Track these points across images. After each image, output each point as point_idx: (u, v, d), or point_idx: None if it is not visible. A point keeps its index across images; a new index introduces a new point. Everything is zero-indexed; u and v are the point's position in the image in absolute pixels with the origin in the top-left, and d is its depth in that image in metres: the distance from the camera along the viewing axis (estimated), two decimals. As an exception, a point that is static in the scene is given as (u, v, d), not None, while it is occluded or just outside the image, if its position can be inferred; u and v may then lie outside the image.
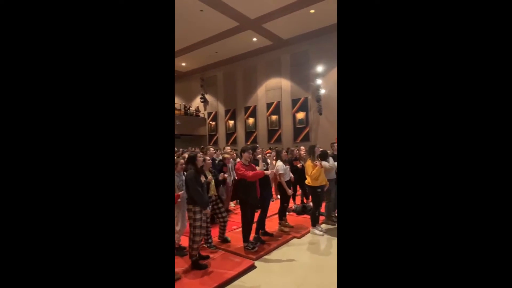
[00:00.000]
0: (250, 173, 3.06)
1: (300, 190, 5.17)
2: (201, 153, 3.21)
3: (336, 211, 4.62)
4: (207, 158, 3.30)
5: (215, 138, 13.60)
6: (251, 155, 3.26)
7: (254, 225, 3.39)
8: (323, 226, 4.04)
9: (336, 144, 4.80)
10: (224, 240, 3.45)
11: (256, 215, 3.40)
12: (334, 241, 3.55)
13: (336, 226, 4.11)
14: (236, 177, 3.30)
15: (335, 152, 4.59)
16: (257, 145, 3.69)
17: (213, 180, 3.21)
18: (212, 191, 3.30)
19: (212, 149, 4.54)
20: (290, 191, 3.84)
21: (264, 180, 3.37)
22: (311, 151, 3.86)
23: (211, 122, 13.82)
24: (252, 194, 3.13)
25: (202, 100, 13.95)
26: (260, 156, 3.33)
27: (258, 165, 3.27)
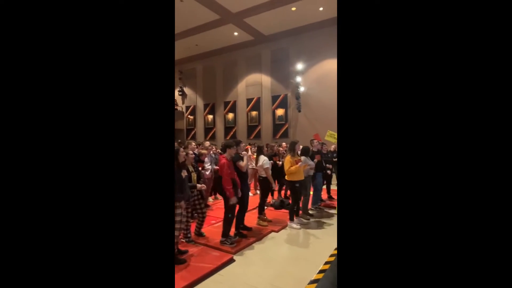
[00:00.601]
0: (230, 187, 3.11)
1: (278, 185, 5.28)
2: (181, 147, 3.18)
3: (313, 206, 4.79)
4: (190, 152, 3.27)
5: (193, 132, 13.38)
6: (236, 151, 3.29)
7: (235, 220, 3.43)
8: (299, 221, 4.15)
9: (315, 140, 4.94)
10: (199, 234, 3.45)
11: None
12: (311, 234, 3.68)
13: (310, 220, 4.25)
14: (219, 173, 3.30)
15: (314, 149, 4.73)
16: (240, 140, 3.72)
17: (195, 175, 3.20)
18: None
19: (194, 143, 4.48)
20: (274, 185, 3.96)
21: (243, 176, 3.42)
22: (292, 147, 3.94)
23: (189, 116, 13.57)
24: (234, 190, 3.16)
25: (180, 93, 13.63)
26: (245, 152, 3.37)
27: (242, 161, 3.32)
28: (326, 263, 2.79)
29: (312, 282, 2.42)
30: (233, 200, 3.11)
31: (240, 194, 3.28)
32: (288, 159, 3.86)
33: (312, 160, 4.34)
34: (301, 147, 4.12)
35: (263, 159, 4.04)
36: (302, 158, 3.97)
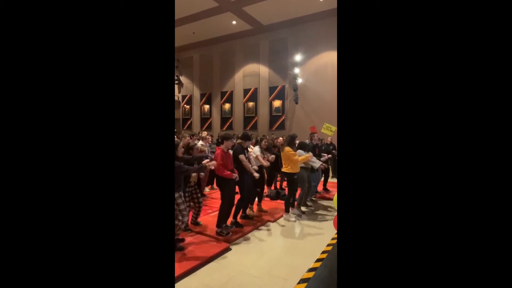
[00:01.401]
0: (226, 172, 3.13)
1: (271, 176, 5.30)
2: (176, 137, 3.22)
3: (308, 198, 4.84)
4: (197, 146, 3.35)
5: (189, 122, 13.29)
6: (233, 144, 3.33)
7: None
8: (295, 212, 4.20)
9: (316, 134, 4.96)
10: (195, 223, 3.48)
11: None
12: (307, 225, 3.73)
13: (306, 212, 4.30)
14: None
15: (314, 143, 4.75)
16: (250, 136, 3.72)
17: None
18: (192, 177, 3.31)
19: (188, 137, 4.41)
20: (266, 163, 4.06)
21: (244, 167, 3.42)
22: (292, 141, 3.94)
23: (185, 105, 13.44)
24: (231, 182, 3.18)
25: (176, 82, 13.44)
26: (251, 147, 3.43)
27: (243, 154, 3.41)
28: (323, 252, 2.84)
29: (310, 270, 2.47)
30: (235, 176, 3.17)
31: (237, 178, 3.29)
32: (289, 149, 3.86)
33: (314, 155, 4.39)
34: (297, 142, 4.14)
35: (255, 148, 4.13)
36: (299, 151, 3.98)
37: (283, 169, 3.98)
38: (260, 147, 4.20)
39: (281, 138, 5.47)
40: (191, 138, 4.85)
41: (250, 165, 3.53)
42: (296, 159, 3.80)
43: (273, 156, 4.18)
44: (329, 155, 5.14)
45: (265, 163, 4.03)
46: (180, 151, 2.87)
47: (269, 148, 4.42)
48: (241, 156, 3.39)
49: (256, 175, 3.51)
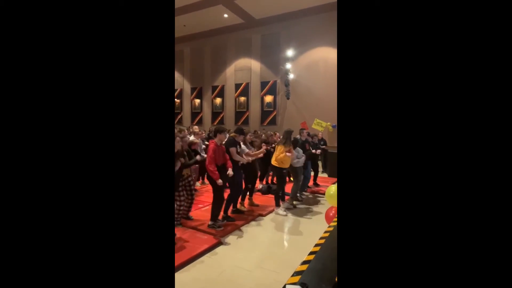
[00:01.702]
0: (214, 169, 3.08)
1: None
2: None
3: (299, 192, 4.88)
4: (187, 136, 3.28)
5: (179, 116, 13.12)
6: (226, 137, 3.31)
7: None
8: (286, 205, 4.23)
9: (305, 130, 5.01)
10: (187, 218, 3.46)
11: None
12: (298, 220, 3.76)
13: (297, 206, 4.33)
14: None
15: (303, 139, 4.78)
16: (244, 130, 3.68)
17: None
18: (186, 171, 3.28)
19: (185, 130, 4.38)
20: (262, 149, 4.06)
21: (235, 161, 3.41)
22: (289, 136, 3.91)
23: (175, 99, 13.24)
24: (223, 174, 3.16)
25: (166, 75, 13.21)
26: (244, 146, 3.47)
27: (235, 148, 3.41)
28: (316, 245, 2.87)
29: (303, 263, 2.49)
30: (219, 182, 3.09)
31: (231, 174, 3.26)
32: (281, 147, 3.86)
33: (304, 151, 4.40)
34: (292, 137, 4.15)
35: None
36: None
37: (273, 162, 3.98)
38: (245, 142, 4.17)
39: (277, 134, 5.50)
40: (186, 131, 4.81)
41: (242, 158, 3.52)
42: (278, 157, 3.81)
43: (265, 145, 4.20)
44: (318, 151, 5.18)
45: (263, 148, 4.02)
46: (178, 145, 2.83)
47: (254, 143, 4.41)
48: (232, 149, 3.36)
49: (245, 160, 3.56)
